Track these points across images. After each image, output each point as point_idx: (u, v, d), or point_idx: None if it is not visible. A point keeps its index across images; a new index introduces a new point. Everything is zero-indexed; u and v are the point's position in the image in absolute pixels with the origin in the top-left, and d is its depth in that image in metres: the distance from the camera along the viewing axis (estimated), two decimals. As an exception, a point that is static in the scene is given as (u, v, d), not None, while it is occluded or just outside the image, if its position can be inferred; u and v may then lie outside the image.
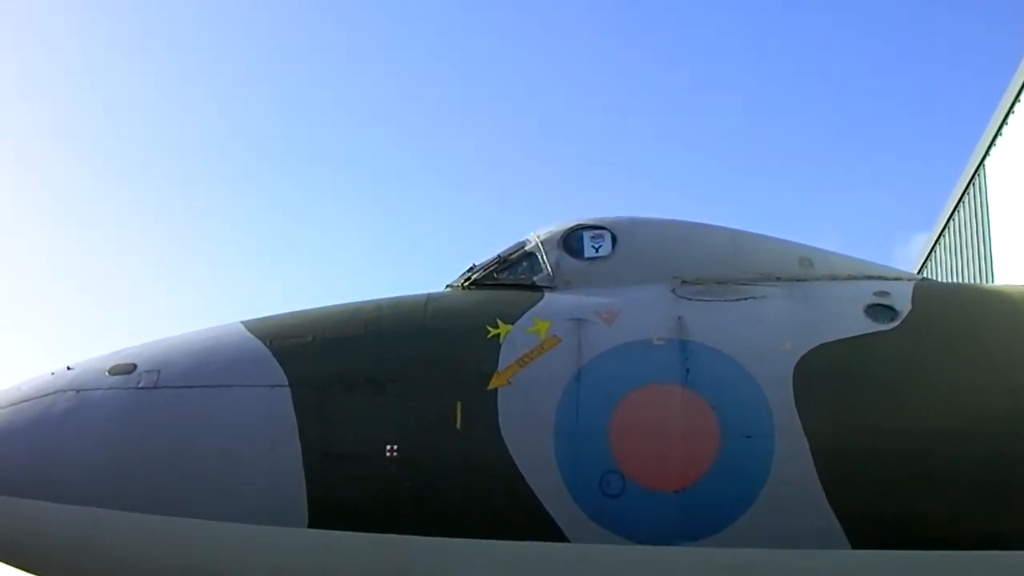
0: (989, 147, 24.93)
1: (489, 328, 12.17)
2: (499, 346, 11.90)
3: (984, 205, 25.81)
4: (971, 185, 27.06)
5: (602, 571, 11.57)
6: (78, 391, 11.69)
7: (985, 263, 25.24)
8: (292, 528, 11.20)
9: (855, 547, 11.25)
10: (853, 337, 12.18)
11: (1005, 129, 23.64)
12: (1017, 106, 22.43)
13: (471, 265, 13.61)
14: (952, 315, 12.94)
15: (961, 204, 28.17)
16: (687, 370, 11.81)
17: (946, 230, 30.40)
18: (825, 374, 11.78)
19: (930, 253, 32.04)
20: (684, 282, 12.93)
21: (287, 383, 11.71)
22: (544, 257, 13.19)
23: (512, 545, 11.32)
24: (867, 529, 11.34)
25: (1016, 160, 22.99)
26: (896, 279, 13.57)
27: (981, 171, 25.78)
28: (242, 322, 12.77)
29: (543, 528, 11.21)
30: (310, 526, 11.19)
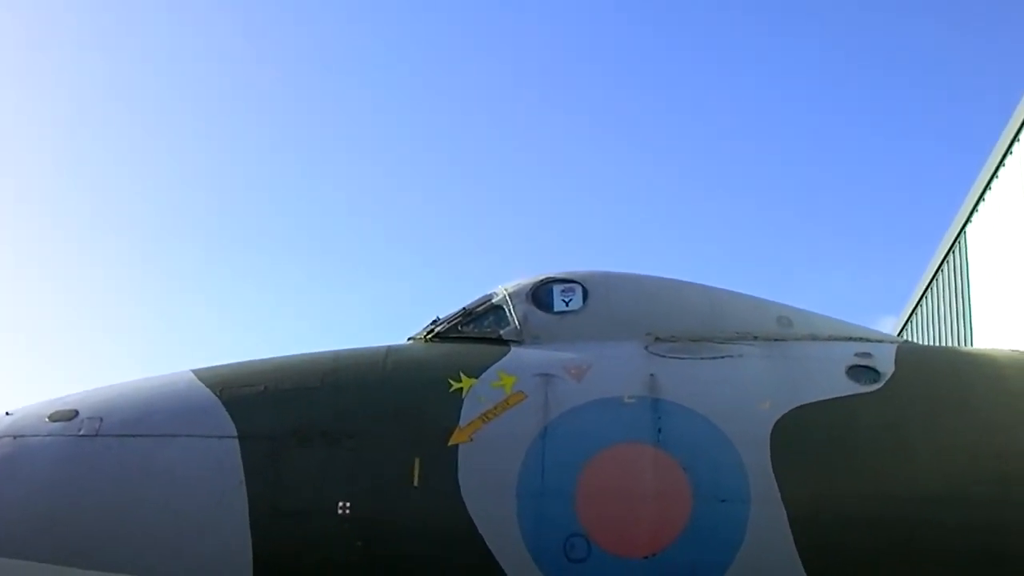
0: (970, 214, 24.64)
1: (451, 382, 11.60)
2: (461, 401, 11.36)
3: (965, 273, 25.45)
4: (949, 255, 26.81)
5: None
6: (15, 437, 11.14)
7: (965, 330, 24.80)
8: None
9: None
10: (834, 399, 11.64)
11: (988, 194, 23.44)
12: (1001, 171, 22.10)
13: (435, 318, 13.05)
14: (937, 377, 12.41)
15: (938, 275, 27.88)
16: (659, 429, 11.24)
17: (919, 307, 30.20)
18: (804, 437, 11.26)
19: (901, 330, 31.63)
20: (658, 339, 12.38)
21: (236, 435, 11.14)
22: (512, 310, 12.63)
23: None
24: None
25: (997, 229, 22.70)
26: (879, 341, 13.04)
27: (961, 239, 25.50)
28: (192, 370, 12.17)
29: None
30: None
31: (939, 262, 27.47)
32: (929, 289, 28.70)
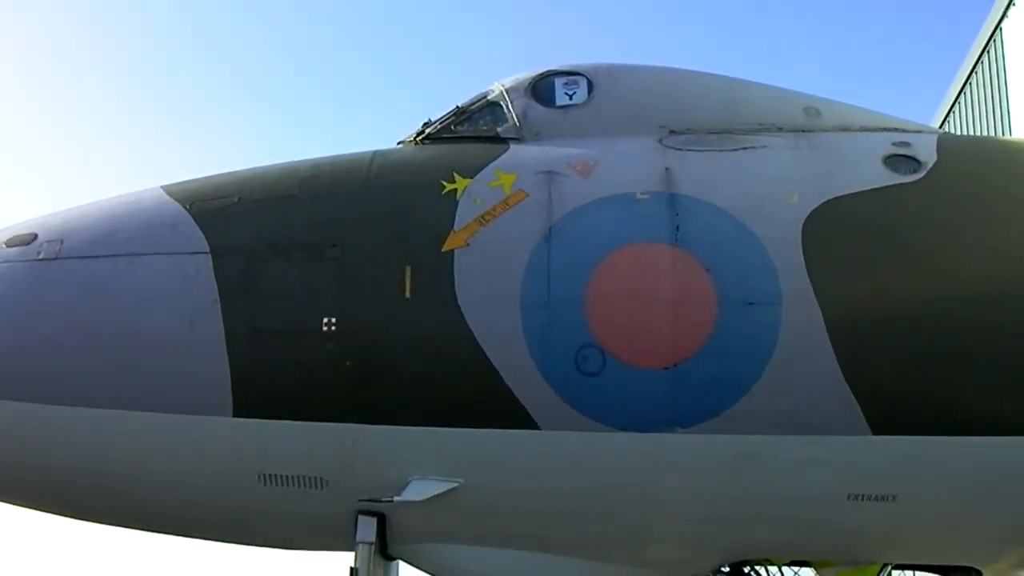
0: (1006, 8, 23.16)
1: (444, 183, 10.50)
2: (456, 203, 10.30)
3: (1002, 72, 24.18)
4: (984, 53, 25.64)
5: (578, 463, 10.05)
6: None
7: (1005, 132, 23.54)
8: (215, 417, 9.88)
9: (877, 433, 9.70)
10: (871, 190, 10.43)
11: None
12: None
13: (426, 121, 11.84)
14: (984, 168, 11.18)
15: (973, 75, 26.59)
16: (677, 227, 10.10)
17: (953, 110, 28.81)
18: (839, 232, 10.13)
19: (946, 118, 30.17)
20: (672, 132, 11.18)
21: (208, 250, 10.20)
22: (510, 106, 11.47)
23: (473, 434, 9.91)
24: (891, 412, 9.77)
25: None
26: (917, 131, 11.73)
27: (997, 36, 24.28)
28: (162, 186, 11.15)
29: (509, 413, 9.75)
30: (235, 415, 9.83)
31: (974, 61, 26.19)
32: (964, 91, 27.50)
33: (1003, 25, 24.10)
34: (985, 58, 25.88)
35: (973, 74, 26.85)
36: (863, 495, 9.93)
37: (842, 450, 9.76)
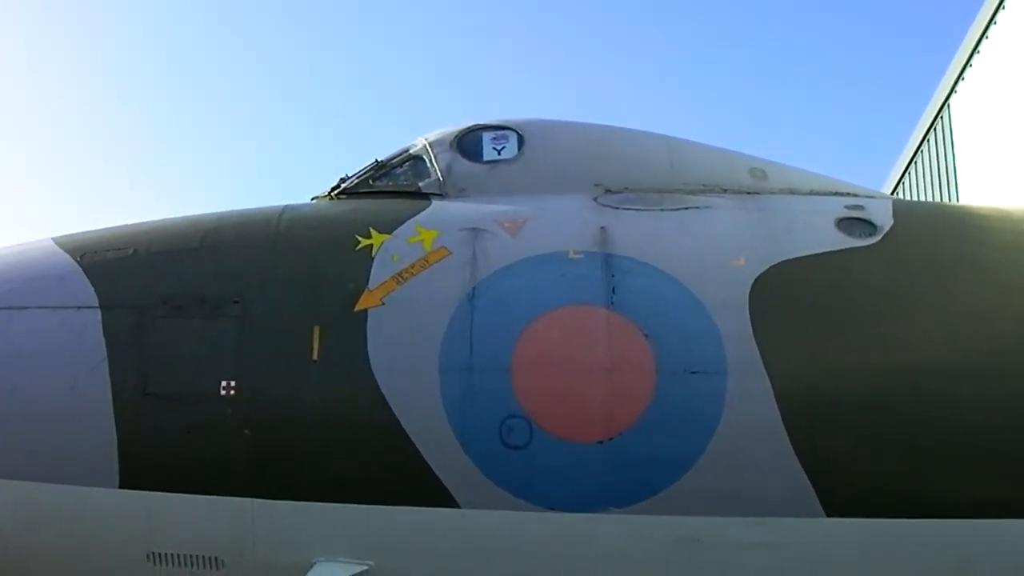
0: (954, 84, 23.46)
1: (359, 238, 9.72)
2: (371, 259, 9.51)
3: (950, 145, 24.08)
4: (933, 127, 25.61)
5: (502, 545, 9.14)
6: None
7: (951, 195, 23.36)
8: (99, 489, 9.02)
9: (832, 515, 8.93)
10: (824, 253, 9.72)
11: (971, 64, 22.36)
12: (983, 43, 20.55)
13: (343, 176, 11.09)
14: (941, 232, 10.46)
15: (921, 148, 26.49)
16: (613, 289, 9.30)
17: (901, 182, 28.76)
18: (790, 297, 9.36)
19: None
20: (608, 191, 10.47)
21: (97, 304, 9.39)
22: (433, 160, 10.77)
23: (385, 511, 9.02)
24: (847, 493, 8.97)
25: (982, 99, 21.42)
26: (869, 196, 11.05)
27: (945, 111, 24.37)
28: (53, 238, 10.31)
29: (425, 488, 8.89)
30: (122, 486, 8.98)
31: (923, 134, 26.08)
32: (912, 163, 27.36)
33: (951, 101, 24.01)
34: (932, 133, 25.73)
35: (921, 146, 26.72)
36: None
37: (794, 534, 8.94)
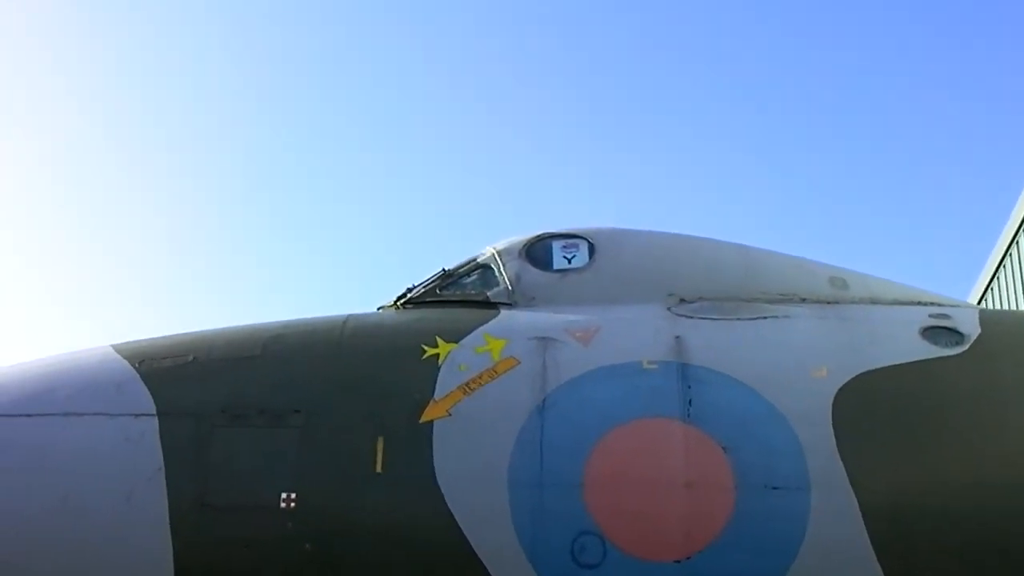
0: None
1: (425, 347, 9.37)
2: (437, 369, 9.17)
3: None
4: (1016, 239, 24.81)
5: None
6: None
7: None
8: None
9: None
10: (909, 363, 9.33)
11: None
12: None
13: (409, 286, 10.74)
14: None
15: (1004, 261, 25.88)
16: (689, 401, 8.92)
17: (994, 280, 28.27)
18: (874, 408, 8.98)
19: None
20: (682, 300, 10.09)
21: (155, 412, 9.03)
22: (502, 269, 10.44)
23: None
24: None
25: None
26: (954, 305, 10.65)
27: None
28: (112, 344, 9.96)
29: None
30: None
31: (1007, 244, 25.91)
32: (997, 274, 27.23)
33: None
34: (1016, 244, 25.53)
35: (1006, 256, 26.51)
36: None
37: None
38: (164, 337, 10.10)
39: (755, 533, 8.49)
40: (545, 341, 9.38)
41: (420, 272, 11.00)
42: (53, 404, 9.19)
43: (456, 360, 9.24)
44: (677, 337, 9.43)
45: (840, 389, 9.01)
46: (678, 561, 8.44)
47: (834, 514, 8.50)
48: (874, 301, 10.47)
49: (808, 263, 10.94)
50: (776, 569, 8.42)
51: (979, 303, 28.21)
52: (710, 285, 10.26)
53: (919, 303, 10.52)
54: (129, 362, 9.48)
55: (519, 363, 9.21)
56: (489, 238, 11.05)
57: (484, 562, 8.45)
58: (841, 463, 8.64)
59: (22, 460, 8.97)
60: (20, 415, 9.14)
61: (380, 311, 10.63)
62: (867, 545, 8.43)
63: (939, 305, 10.50)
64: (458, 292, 10.47)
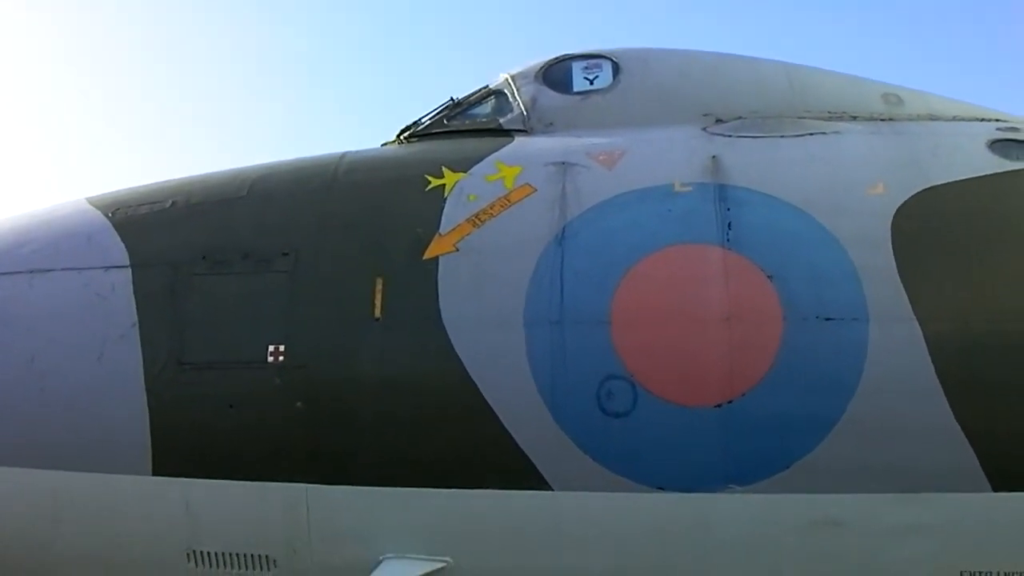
0: None
1: (429, 178, 8.53)
2: (443, 200, 8.34)
3: None
4: None
5: (602, 534, 7.78)
6: None
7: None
8: (129, 476, 7.95)
9: (999, 490, 7.46)
10: (978, 178, 8.30)
11: None
12: None
13: (415, 121, 9.87)
14: None
15: None
16: (728, 224, 7.95)
17: None
18: (939, 228, 7.97)
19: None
20: (719, 120, 9.11)
21: (128, 263, 8.35)
22: (516, 94, 9.57)
23: (463, 497, 7.78)
24: (1015, 460, 7.52)
25: None
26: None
27: None
28: (87, 197, 9.25)
29: (511, 468, 7.64)
30: (155, 472, 7.90)
31: None
32: None
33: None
34: None
35: None
36: (983, 573, 7.70)
37: (954, 513, 7.56)
38: (144, 185, 9.35)
39: (806, 371, 7.56)
40: (564, 166, 8.48)
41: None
42: (17, 261, 8.55)
43: (464, 190, 8.39)
44: (713, 157, 8.48)
45: (900, 208, 8.03)
46: (718, 405, 7.53)
47: (896, 347, 7.56)
48: (933, 117, 9.47)
49: (858, 79, 9.91)
50: (831, 409, 7.49)
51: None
52: (750, 103, 9.31)
53: (982, 119, 9.48)
54: (102, 212, 8.77)
55: (535, 190, 8.33)
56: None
57: (497, 412, 7.59)
58: (903, 290, 7.69)
59: None
60: None
61: (382, 147, 9.74)
62: (934, 382, 7.48)
63: (1005, 121, 9.42)
64: (468, 122, 9.63)
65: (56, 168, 45.45)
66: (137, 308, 8.12)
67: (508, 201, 8.24)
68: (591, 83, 9.56)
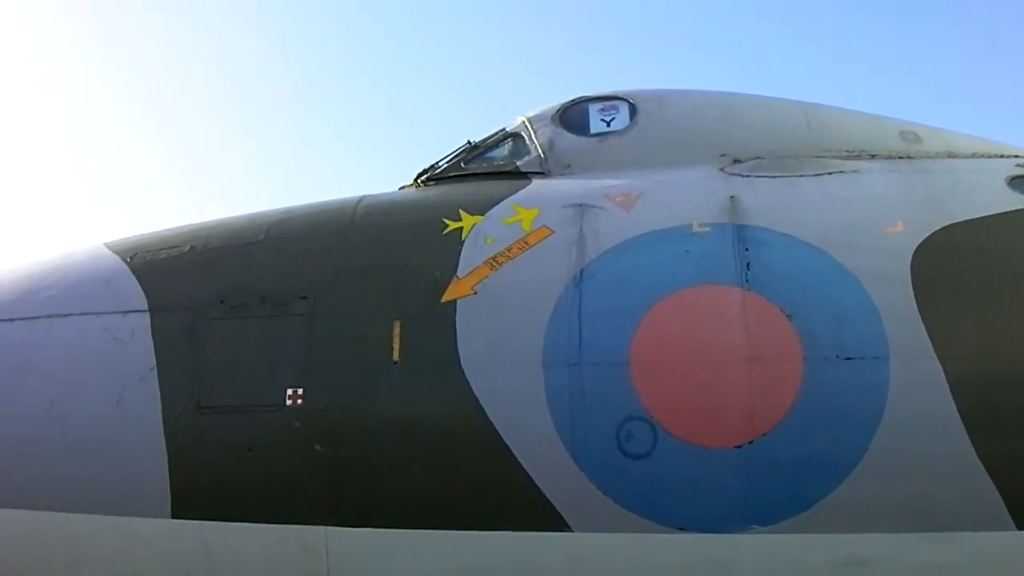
0: None
1: (447, 221, 8.52)
2: (460, 243, 8.32)
3: None
4: None
5: (622, 573, 7.71)
6: None
7: None
8: (148, 520, 7.93)
9: (1021, 527, 7.40)
10: (997, 215, 8.23)
11: None
12: None
13: (432, 164, 9.89)
14: None
15: None
16: (747, 265, 7.91)
17: None
18: (959, 266, 7.91)
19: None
20: (736, 161, 9.10)
21: (146, 307, 8.34)
22: (532, 136, 9.58)
23: (482, 539, 7.72)
24: None
25: None
26: (1041, 157, 9.47)
27: None
28: (105, 242, 9.26)
29: (530, 509, 7.57)
30: (175, 515, 7.87)
31: None
32: None
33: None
34: None
35: None
36: None
37: (978, 551, 7.47)
38: (163, 230, 9.36)
39: (827, 411, 7.49)
40: (582, 208, 8.46)
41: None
42: (36, 306, 8.55)
43: (482, 233, 8.37)
44: (731, 197, 8.46)
45: (919, 245, 7.97)
46: (739, 446, 7.48)
47: (917, 386, 7.50)
48: (951, 154, 9.46)
49: (876, 117, 9.91)
50: (852, 449, 7.42)
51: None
52: (767, 143, 9.30)
53: (1001, 156, 9.46)
54: (120, 257, 8.79)
55: (553, 233, 8.30)
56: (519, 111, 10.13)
57: (517, 455, 7.54)
58: (923, 328, 7.62)
59: (7, 369, 8.35)
60: (4, 319, 8.55)
61: (399, 190, 9.74)
62: (956, 420, 7.41)
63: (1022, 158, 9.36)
64: (485, 164, 9.62)
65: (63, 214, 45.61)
66: (156, 352, 8.11)
67: (526, 243, 8.22)
68: (608, 125, 9.56)
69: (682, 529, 7.54)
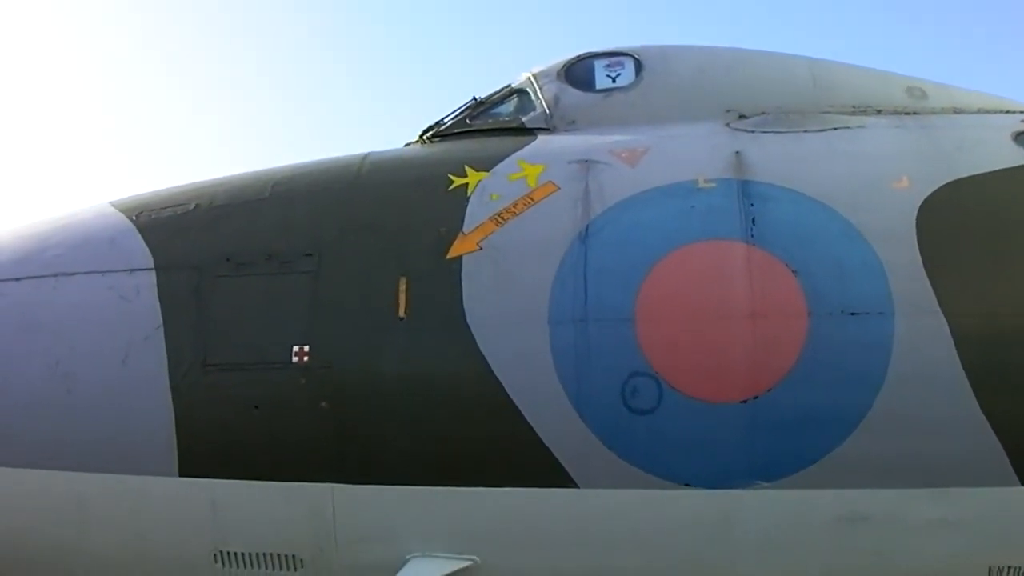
0: None
1: (452, 177, 8.50)
2: (466, 199, 8.30)
3: None
4: None
5: (628, 531, 7.74)
6: None
7: None
8: (155, 478, 7.96)
9: None
10: (1003, 170, 8.21)
11: None
12: None
13: (438, 120, 9.86)
14: None
15: None
16: (752, 220, 7.88)
17: None
18: (965, 221, 7.89)
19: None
20: (742, 116, 9.07)
21: (152, 265, 8.36)
22: (538, 92, 9.56)
23: (488, 495, 7.74)
24: None
25: None
26: (1050, 112, 9.45)
27: None
28: (111, 200, 9.27)
29: (536, 465, 7.59)
30: (181, 473, 7.91)
31: None
32: None
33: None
34: None
35: None
36: (1011, 568, 7.63)
37: (982, 508, 7.48)
38: (168, 188, 9.35)
39: (832, 366, 7.48)
40: (587, 164, 8.43)
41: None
42: (41, 265, 8.56)
43: (487, 189, 8.36)
44: (737, 152, 8.44)
45: (925, 201, 7.95)
46: (744, 401, 7.47)
47: (922, 341, 7.48)
48: (957, 110, 9.41)
49: (882, 73, 9.85)
50: (856, 405, 7.42)
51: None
52: (773, 99, 9.24)
53: (1008, 112, 9.42)
54: (125, 215, 8.79)
55: (558, 188, 8.29)
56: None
57: (523, 410, 7.54)
58: (928, 283, 7.61)
59: (13, 329, 8.35)
60: (7, 279, 8.55)
61: (405, 147, 9.73)
62: (961, 376, 7.40)
63: None
64: (490, 121, 9.61)
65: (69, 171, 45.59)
66: (161, 310, 8.13)
67: (531, 200, 8.21)
68: (613, 81, 9.52)
69: (687, 485, 7.55)
